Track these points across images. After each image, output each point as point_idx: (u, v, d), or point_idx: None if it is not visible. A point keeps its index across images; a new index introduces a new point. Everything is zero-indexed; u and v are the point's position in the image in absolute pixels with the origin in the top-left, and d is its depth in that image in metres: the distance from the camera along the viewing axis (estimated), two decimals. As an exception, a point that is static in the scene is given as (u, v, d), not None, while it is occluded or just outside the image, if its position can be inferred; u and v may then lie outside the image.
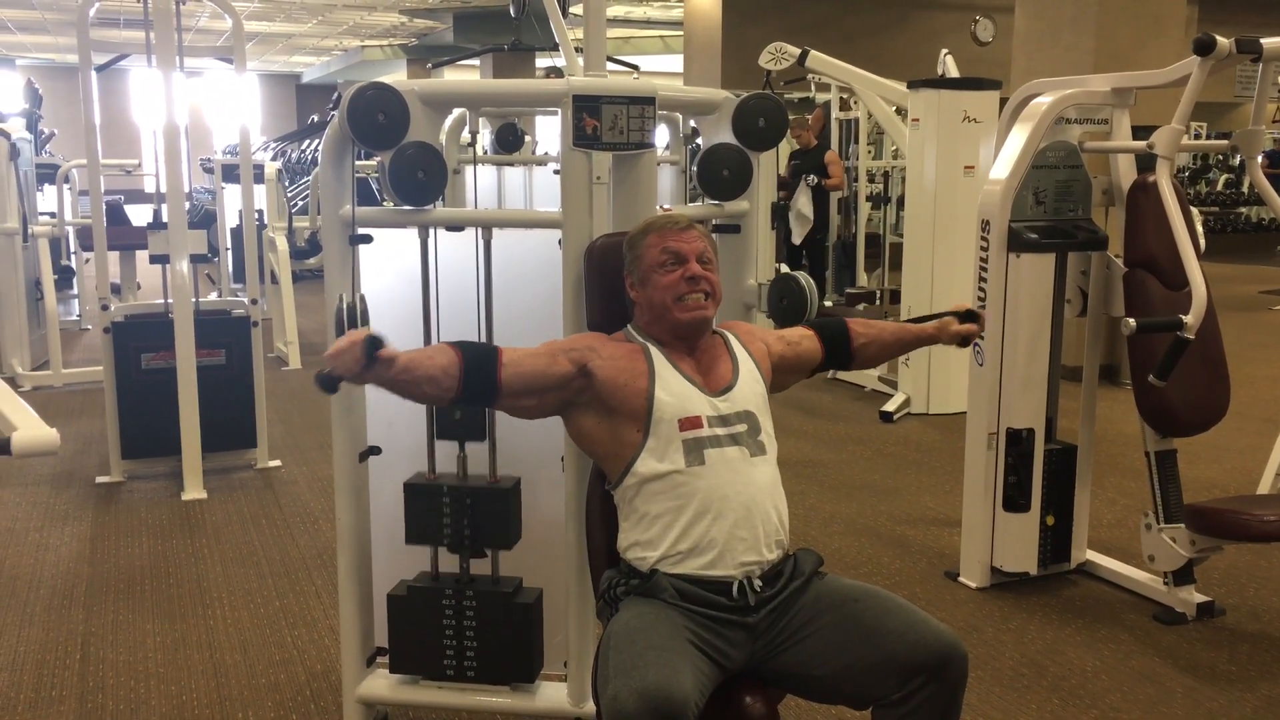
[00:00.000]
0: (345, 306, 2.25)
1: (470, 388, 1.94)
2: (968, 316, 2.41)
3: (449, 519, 2.43)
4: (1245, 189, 15.56)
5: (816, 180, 7.76)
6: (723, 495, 1.93)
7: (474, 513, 2.42)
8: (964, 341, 2.42)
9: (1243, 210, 15.71)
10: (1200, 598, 3.33)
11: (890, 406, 5.90)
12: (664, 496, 1.94)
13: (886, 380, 6.33)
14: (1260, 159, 3.33)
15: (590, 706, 2.45)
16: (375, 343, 1.83)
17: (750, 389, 2.05)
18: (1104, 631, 3.24)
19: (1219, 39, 2.96)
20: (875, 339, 2.32)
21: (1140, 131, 3.35)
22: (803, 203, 7.83)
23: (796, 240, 7.95)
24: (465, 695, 2.55)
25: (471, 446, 2.48)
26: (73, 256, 9.07)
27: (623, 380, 1.98)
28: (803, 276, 2.50)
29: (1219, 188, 15.69)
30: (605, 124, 2.28)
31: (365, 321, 2.31)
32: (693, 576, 1.91)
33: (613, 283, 2.18)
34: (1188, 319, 2.94)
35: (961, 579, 3.61)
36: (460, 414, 2.43)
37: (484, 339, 2.43)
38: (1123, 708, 2.80)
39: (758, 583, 1.92)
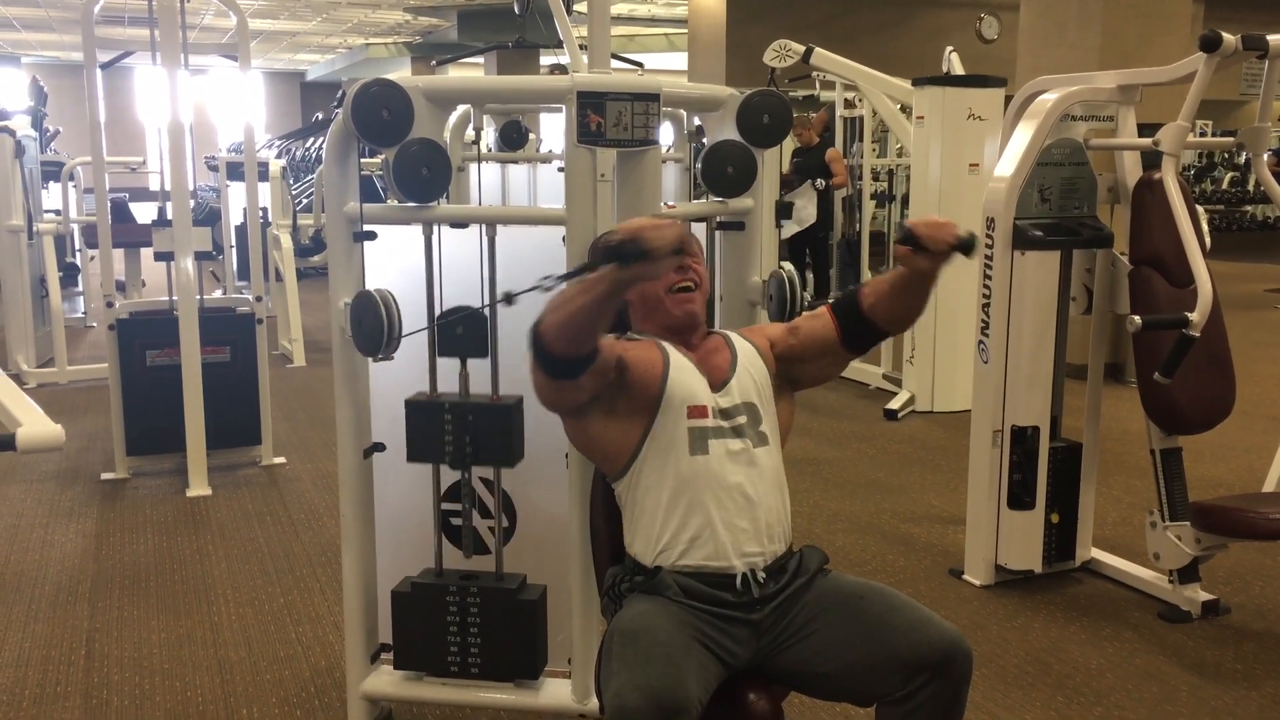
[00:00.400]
0: (381, 300, 2.25)
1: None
2: (904, 237, 1.94)
3: (450, 435, 2.41)
4: (1251, 187, 15.51)
5: (825, 184, 7.77)
6: (725, 485, 1.93)
7: (475, 429, 2.40)
8: (950, 249, 1.92)
9: (1248, 208, 15.67)
10: (1205, 596, 3.32)
11: (894, 404, 5.90)
12: (667, 487, 1.94)
13: (891, 378, 6.33)
14: (1266, 156, 3.33)
15: (594, 703, 2.45)
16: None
17: (750, 379, 2.04)
18: (1109, 629, 3.24)
19: (1225, 36, 2.96)
20: (878, 293, 2.05)
21: (1146, 129, 3.34)
22: (800, 204, 7.84)
23: (783, 236, 7.95)
24: (469, 692, 2.55)
25: (473, 364, 2.45)
26: (77, 254, 9.08)
27: (643, 368, 1.98)
28: (785, 266, 2.51)
29: (1224, 186, 15.65)
30: (610, 120, 2.28)
31: (400, 314, 2.29)
32: (696, 570, 1.91)
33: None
34: (1193, 316, 2.93)
35: (966, 577, 3.60)
36: (462, 330, 2.40)
37: (488, 336, 2.43)
38: (1127, 706, 2.80)
39: (761, 574, 1.92)
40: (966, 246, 1.92)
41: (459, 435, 2.41)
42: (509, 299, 1.82)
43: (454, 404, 2.42)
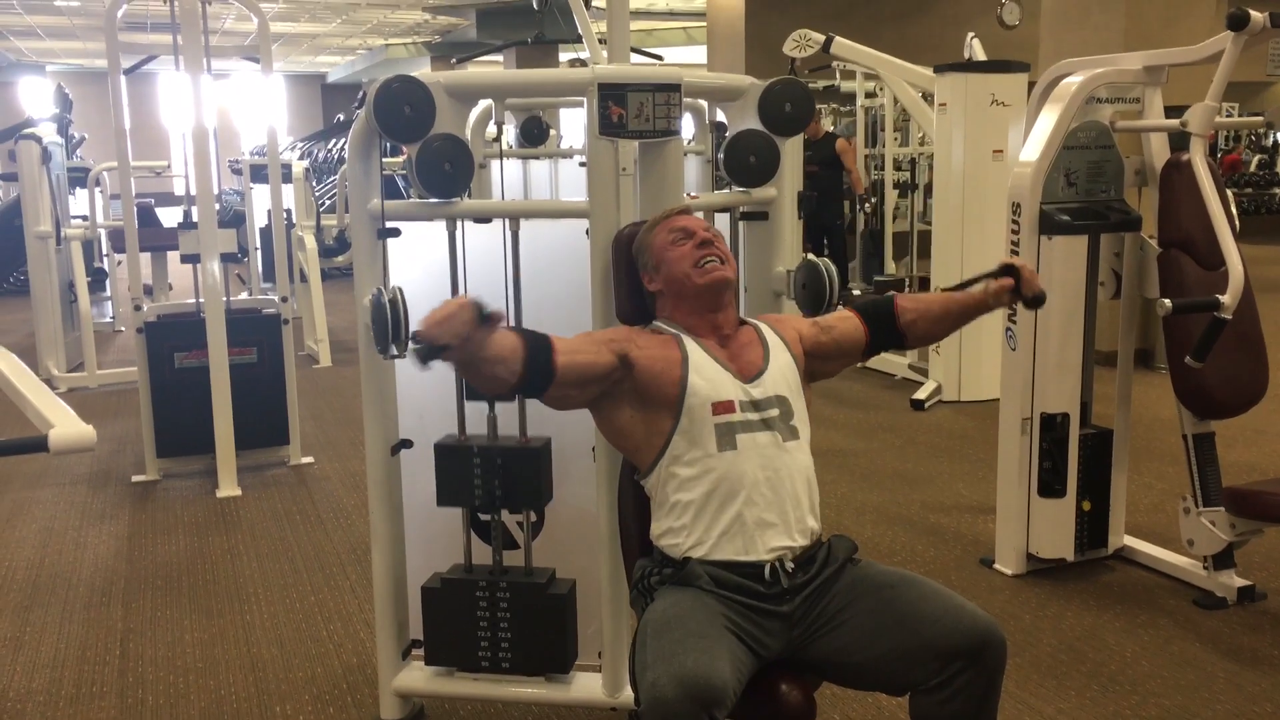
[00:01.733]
0: (388, 300, 2.23)
1: (530, 372, 1.89)
2: (1005, 271, 2.17)
3: (479, 479, 2.43)
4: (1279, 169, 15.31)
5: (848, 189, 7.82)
6: (753, 480, 1.92)
7: (504, 472, 2.41)
8: (1034, 300, 2.16)
9: (1277, 191, 15.46)
10: (1241, 582, 3.28)
11: (921, 394, 5.86)
12: (695, 482, 1.93)
13: (917, 368, 6.29)
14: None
15: (625, 696, 2.45)
16: (481, 306, 1.74)
17: (782, 374, 2.04)
18: (1143, 617, 3.21)
19: (1253, 14, 2.91)
20: (923, 313, 2.18)
21: (1172, 111, 3.30)
22: None
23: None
24: (500, 687, 2.56)
25: (501, 407, 2.46)
26: (105, 259, 9.16)
27: (659, 368, 1.97)
28: (824, 262, 2.48)
29: (1252, 168, 15.46)
30: (631, 112, 2.27)
31: (406, 314, 2.28)
32: (725, 562, 1.90)
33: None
34: (1225, 299, 2.90)
35: (997, 566, 3.58)
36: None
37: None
38: (1163, 693, 2.77)
39: (789, 565, 1.91)
40: (1040, 301, 2.18)
41: (488, 479, 2.43)
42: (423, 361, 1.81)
43: (483, 448, 2.43)
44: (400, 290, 2.27)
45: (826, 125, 10.11)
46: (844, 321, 2.19)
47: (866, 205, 7.82)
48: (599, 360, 1.96)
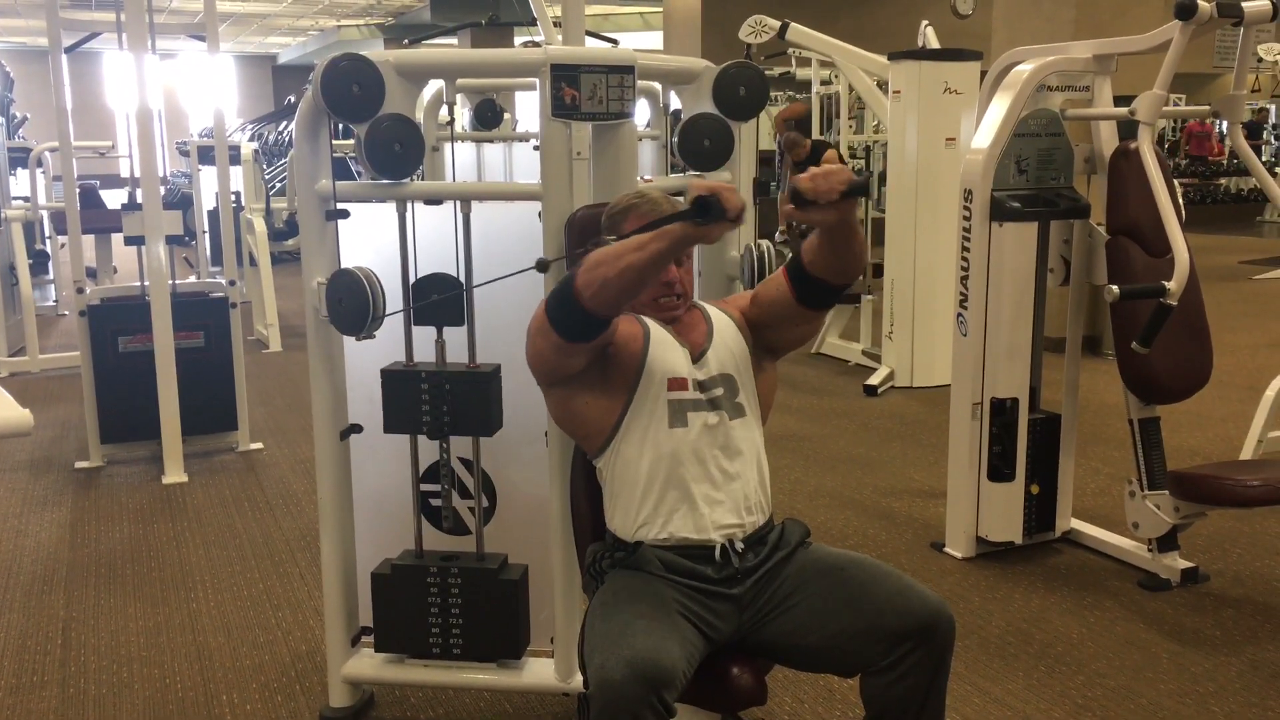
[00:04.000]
0: (364, 277, 2.21)
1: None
2: (791, 196, 1.84)
3: (428, 405, 2.38)
4: (1225, 160, 15.60)
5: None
6: (702, 458, 1.92)
7: (453, 398, 2.37)
8: (851, 189, 1.79)
9: (1222, 181, 15.77)
10: (1184, 564, 3.34)
11: (874, 380, 5.90)
12: (646, 461, 1.93)
13: (870, 354, 6.33)
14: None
15: (577, 681, 2.44)
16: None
17: (728, 351, 2.03)
18: (1089, 599, 3.25)
19: (1201, 2, 2.95)
20: (810, 248, 1.98)
21: (1121, 100, 3.34)
22: None
23: None
24: (451, 673, 2.54)
25: (449, 333, 2.42)
26: (47, 241, 8.97)
27: (624, 340, 1.97)
28: (760, 243, 2.50)
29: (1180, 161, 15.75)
30: (584, 93, 2.25)
31: (384, 292, 2.26)
32: (676, 544, 1.90)
33: (594, 254, 2.15)
34: (1170, 285, 2.94)
35: (947, 549, 3.61)
36: (437, 296, 2.37)
37: (464, 314, 2.40)
38: (1108, 674, 2.81)
39: (739, 545, 1.91)
40: (858, 190, 1.81)
41: (436, 405, 2.38)
42: (544, 266, 1.81)
43: (430, 373, 2.38)
44: (373, 272, 2.25)
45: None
46: (767, 284, 2.10)
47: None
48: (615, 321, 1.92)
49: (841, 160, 7.06)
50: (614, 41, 7.72)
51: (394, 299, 2.40)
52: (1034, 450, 3.50)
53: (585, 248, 1.83)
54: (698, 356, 2.00)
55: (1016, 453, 3.46)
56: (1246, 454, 4.01)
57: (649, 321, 2.02)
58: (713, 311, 2.10)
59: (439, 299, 2.36)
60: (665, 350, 1.98)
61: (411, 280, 2.40)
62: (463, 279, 2.41)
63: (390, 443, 2.52)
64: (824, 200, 1.79)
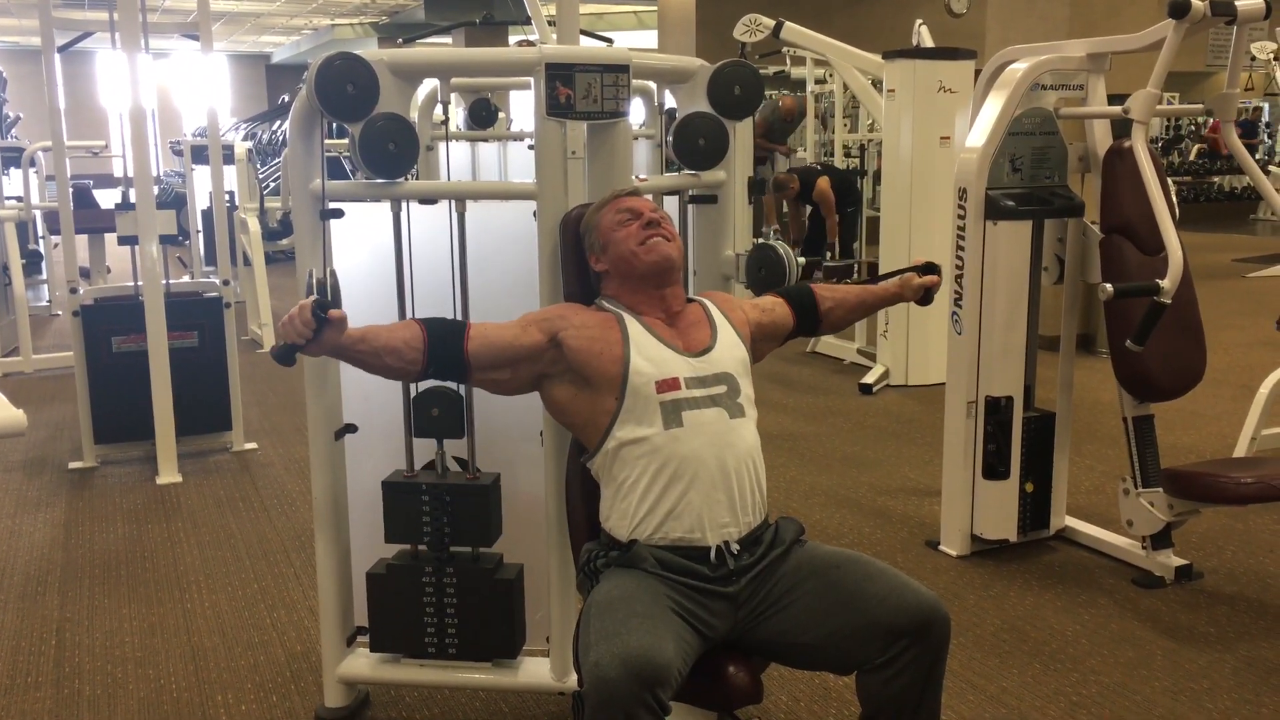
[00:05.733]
0: (315, 281, 2.20)
1: (437, 361, 1.96)
2: (927, 269, 2.44)
3: (428, 517, 2.41)
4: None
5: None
6: (700, 458, 1.92)
7: (453, 510, 2.40)
8: (926, 297, 2.43)
9: (1216, 179, 15.79)
10: (1178, 561, 3.35)
11: (869, 379, 5.91)
12: (641, 461, 1.93)
13: (865, 353, 6.34)
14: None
15: (572, 681, 2.44)
16: (323, 304, 1.81)
17: (730, 353, 2.04)
18: (1084, 596, 3.26)
19: (1194, 1, 2.95)
20: (840, 303, 2.36)
21: (1115, 99, 3.34)
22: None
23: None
24: (447, 673, 2.53)
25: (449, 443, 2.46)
26: (40, 241, 8.94)
27: (597, 349, 1.97)
28: (780, 246, 2.48)
29: (1191, 157, 15.77)
30: (579, 92, 2.25)
31: (337, 296, 2.27)
32: (671, 545, 1.90)
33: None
34: (1164, 283, 2.94)
35: (942, 548, 3.62)
36: (439, 411, 2.40)
37: (459, 314, 2.40)
38: (1103, 670, 2.82)
39: (735, 546, 1.91)
40: (929, 300, 2.47)
41: (437, 517, 2.40)
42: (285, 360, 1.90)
43: (431, 485, 2.40)
44: (333, 272, 2.24)
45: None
46: (778, 307, 2.28)
47: (829, 254, 7.35)
48: (521, 341, 1.98)
49: (832, 180, 7.01)
50: (609, 40, 7.74)
51: (388, 299, 2.40)
52: (1028, 448, 3.51)
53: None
54: (701, 352, 2.01)
55: (1011, 451, 3.46)
56: (1240, 451, 4.02)
57: (631, 322, 2.01)
58: (714, 310, 2.11)
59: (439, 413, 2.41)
60: (649, 352, 1.97)
61: (407, 284, 2.40)
62: (458, 278, 2.41)
63: (385, 442, 2.52)
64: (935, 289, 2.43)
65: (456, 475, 2.45)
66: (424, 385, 2.39)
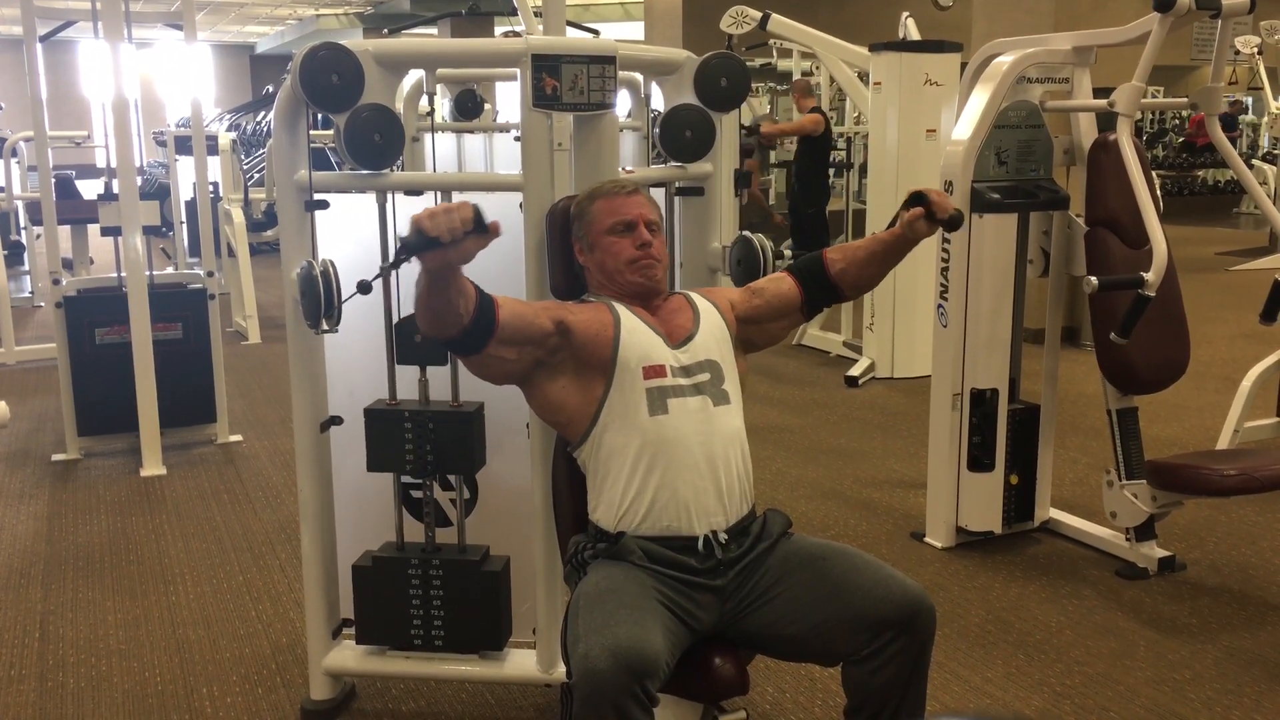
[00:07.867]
0: (319, 272, 2.18)
1: (478, 319, 1.86)
2: (915, 200, 2.12)
3: (411, 444, 2.39)
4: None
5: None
6: (685, 446, 1.92)
7: (436, 437, 2.38)
8: (951, 222, 2.10)
9: (1199, 173, 15.86)
10: (1161, 553, 3.37)
11: (855, 371, 5.92)
12: (627, 449, 1.93)
13: (852, 345, 6.35)
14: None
15: (559, 672, 2.44)
16: (481, 215, 1.70)
17: (712, 337, 2.04)
18: (1067, 587, 3.28)
19: (1179, -5, 2.96)
20: (851, 259, 2.17)
21: (1100, 93, 3.35)
22: None
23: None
24: (433, 665, 2.53)
25: (433, 371, 2.43)
26: (22, 232, 8.88)
27: (594, 330, 1.97)
28: (756, 237, 2.48)
29: (1176, 151, 15.83)
30: (565, 84, 2.24)
31: (339, 286, 2.23)
32: (659, 536, 1.90)
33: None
34: (1149, 276, 2.95)
35: (927, 539, 3.63)
36: (420, 337, 2.36)
37: (447, 354, 2.40)
38: (1086, 661, 2.84)
39: (723, 536, 1.91)
40: (958, 222, 2.12)
41: (419, 444, 2.39)
42: (365, 288, 1.86)
43: (414, 412, 2.39)
44: (331, 263, 2.22)
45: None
46: (775, 283, 2.20)
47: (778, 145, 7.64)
48: (538, 322, 1.95)
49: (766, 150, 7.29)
50: (595, 32, 7.71)
51: (374, 291, 2.39)
52: (1013, 440, 3.52)
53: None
54: (683, 341, 2.01)
55: (996, 443, 3.48)
56: (1223, 444, 4.05)
57: (621, 309, 2.02)
58: (697, 299, 2.11)
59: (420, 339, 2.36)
60: (638, 337, 1.98)
61: (392, 277, 2.39)
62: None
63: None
64: (940, 214, 2.08)
65: (439, 403, 2.43)
66: (406, 311, 2.35)
